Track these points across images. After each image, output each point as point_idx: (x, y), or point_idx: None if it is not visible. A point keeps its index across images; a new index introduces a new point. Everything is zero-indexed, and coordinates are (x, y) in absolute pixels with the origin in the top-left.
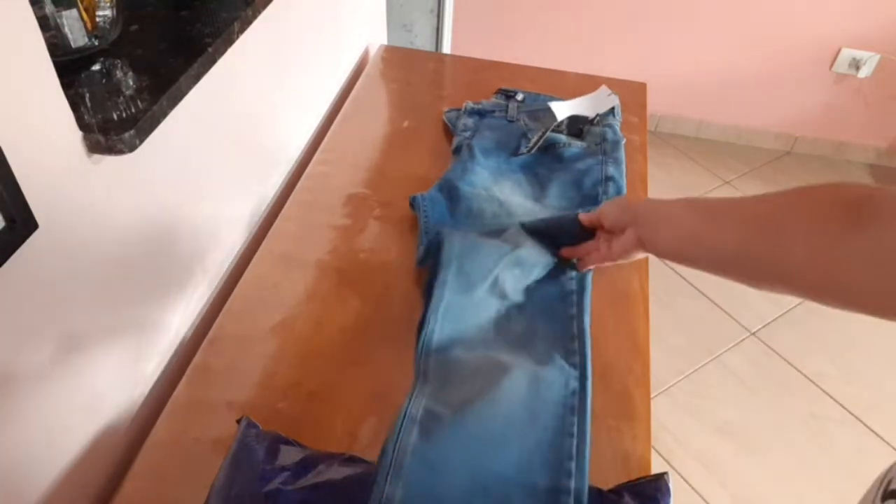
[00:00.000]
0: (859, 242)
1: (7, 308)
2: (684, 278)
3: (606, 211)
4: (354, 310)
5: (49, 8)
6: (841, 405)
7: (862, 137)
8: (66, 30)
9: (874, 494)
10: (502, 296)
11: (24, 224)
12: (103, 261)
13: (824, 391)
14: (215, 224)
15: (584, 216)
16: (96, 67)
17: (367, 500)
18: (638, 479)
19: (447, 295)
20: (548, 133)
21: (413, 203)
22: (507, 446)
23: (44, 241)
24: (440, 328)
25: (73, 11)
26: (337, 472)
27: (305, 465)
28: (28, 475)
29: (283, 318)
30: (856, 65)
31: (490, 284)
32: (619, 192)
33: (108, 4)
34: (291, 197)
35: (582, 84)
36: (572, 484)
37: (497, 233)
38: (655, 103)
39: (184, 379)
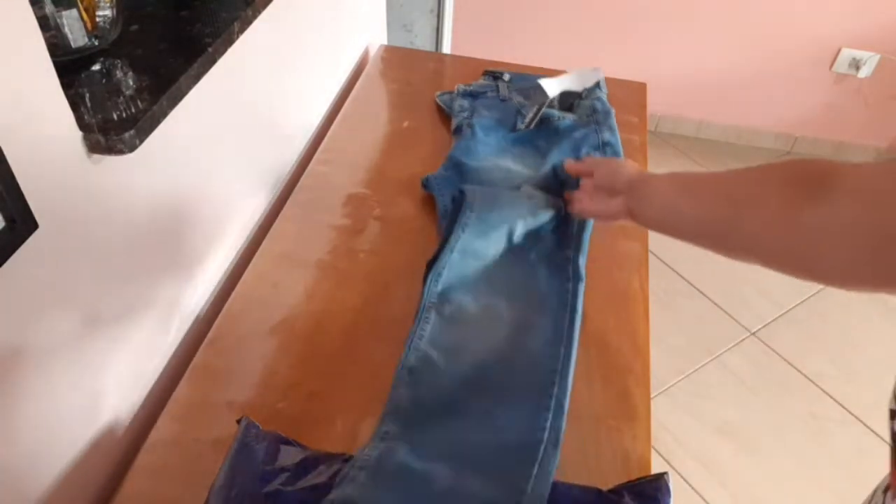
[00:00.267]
0: (818, 214)
1: (7, 308)
2: (684, 278)
3: (601, 171)
4: (354, 310)
5: (49, 8)
6: (841, 405)
7: (862, 137)
8: (66, 30)
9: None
10: (510, 241)
11: (24, 224)
12: (103, 261)
13: (824, 391)
14: (215, 224)
15: (572, 165)
16: (96, 67)
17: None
18: (638, 479)
19: (464, 236)
20: (543, 108)
21: (426, 184)
22: (495, 379)
23: (44, 241)
24: (452, 262)
25: (73, 11)
26: (337, 473)
27: (305, 466)
28: (28, 474)
29: (283, 318)
30: (856, 65)
31: (504, 230)
32: (616, 156)
33: (108, 4)
34: (291, 197)
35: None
36: (548, 422)
37: (514, 188)
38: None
39: (184, 379)
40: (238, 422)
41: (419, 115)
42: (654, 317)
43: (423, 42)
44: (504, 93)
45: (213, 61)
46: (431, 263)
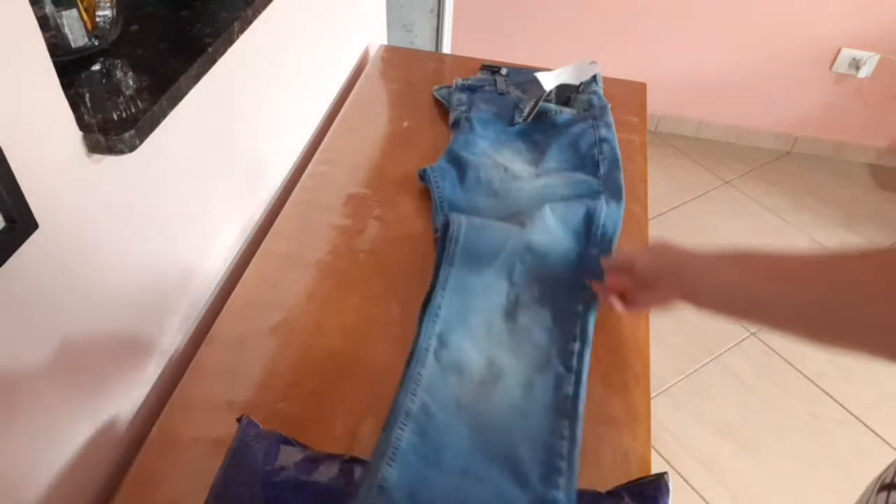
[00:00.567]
0: None
1: (7, 308)
2: None
3: (642, 263)
4: (354, 310)
5: (49, 8)
6: (841, 405)
7: (862, 137)
8: (66, 30)
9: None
10: (511, 282)
11: (24, 224)
12: (103, 260)
13: (824, 391)
14: (215, 224)
15: (609, 263)
16: (96, 67)
17: (363, 479)
18: (638, 479)
19: (455, 270)
20: (540, 102)
21: (423, 176)
22: (498, 444)
23: (44, 241)
24: (448, 303)
25: (73, 11)
26: (337, 473)
27: (305, 465)
28: (27, 474)
29: (283, 318)
30: (856, 65)
31: (500, 267)
32: (613, 152)
33: (108, 4)
34: (291, 197)
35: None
36: (561, 481)
37: (508, 218)
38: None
39: (184, 379)
40: (238, 421)
41: (419, 115)
42: (654, 317)
43: (423, 42)
44: (502, 87)
45: (213, 61)
46: (426, 302)
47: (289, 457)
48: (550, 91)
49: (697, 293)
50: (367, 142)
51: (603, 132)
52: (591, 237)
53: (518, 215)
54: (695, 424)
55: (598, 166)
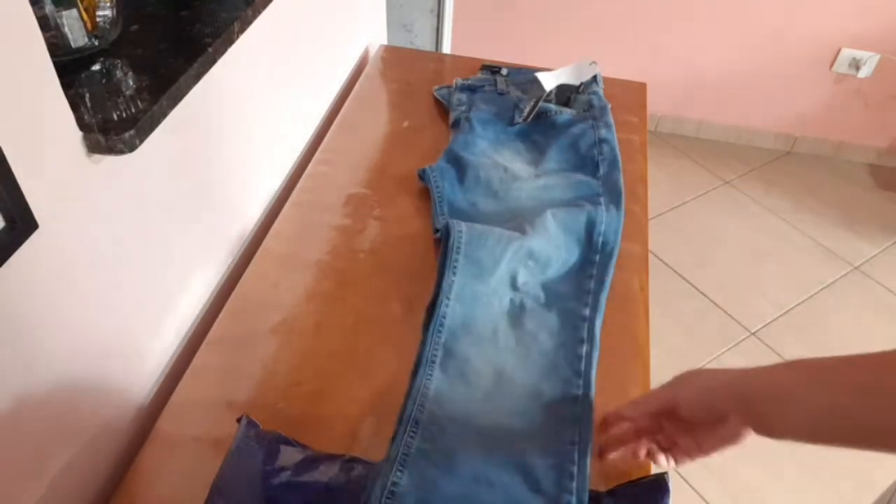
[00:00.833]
0: None
1: (7, 308)
2: (684, 278)
3: (688, 401)
4: (354, 310)
5: (49, 8)
6: None
7: (862, 137)
8: (66, 30)
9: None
10: (515, 288)
11: (24, 224)
12: (103, 260)
13: None
14: (215, 223)
15: (632, 410)
16: (96, 67)
17: (373, 484)
18: (638, 479)
19: (458, 279)
20: (540, 102)
21: (422, 176)
22: (508, 450)
23: (44, 241)
24: (452, 311)
25: (73, 11)
26: (337, 473)
27: (305, 465)
28: (27, 474)
29: (283, 318)
30: (856, 65)
31: (503, 274)
32: (613, 152)
33: (108, 4)
34: (291, 197)
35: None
36: (574, 485)
37: (508, 219)
38: (655, 103)
39: (184, 379)
40: (238, 421)
41: (419, 115)
42: (654, 317)
43: (423, 42)
44: (502, 87)
45: (213, 61)
46: (430, 308)
47: (289, 457)
48: (550, 91)
49: (777, 424)
50: (367, 142)
51: (603, 133)
52: (592, 244)
53: (518, 217)
54: None
55: (597, 167)
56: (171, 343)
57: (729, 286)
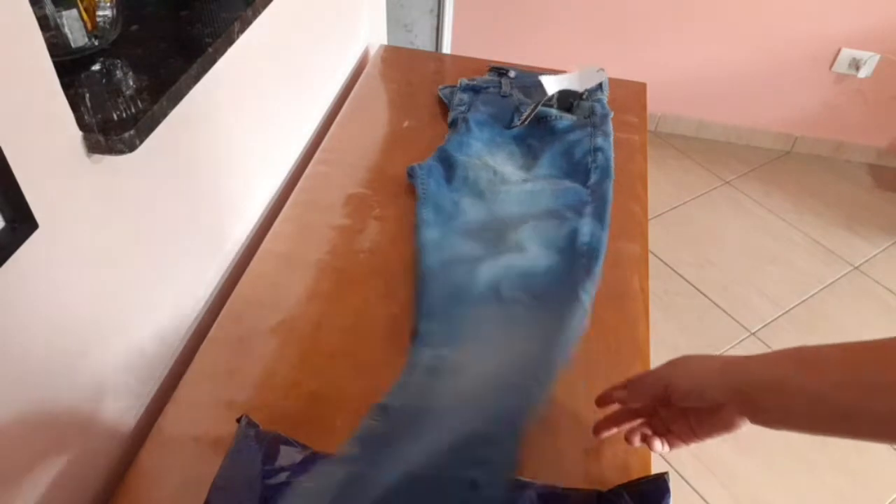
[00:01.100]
0: None
1: (7, 308)
2: (684, 278)
3: (682, 387)
4: (354, 310)
5: (49, 8)
6: None
7: (862, 137)
8: (66, 30)
9: None
10: (500, 300)
11: (24, 224)
12: (103, 260)
13: None
14: (215, 224)
15: (625, 395)
16: (96, 67)
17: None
18: (638, 480)
19: (434, 303)
20: (539, 107)
21: (410, 173)
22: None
23: (44, 241)
24: (433, 332)
25: (73, 11)
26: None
27: (305, 465)
28: (28, 473)
29: (283, 318)
30: (856, 65)
31: (481, 293)
32: (606, 161)
33: (108, 4)
34: (291, 197)
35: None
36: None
37: (489, 224)
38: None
39: (184, 379)
40: (238, 421)
41: (419, 115)
42: (654, 317)
43: (423, 42)
44: (506, 89)
45: (213, 61)
46: (415, 332)
47: (289, 457)
48: (552, 96)
49: (772, 414)
50: (367, 142)
51: (599, 141)
52: (575, 252)
53: (499, 223)
54: None
55: (589, 175)
56: (171, 343)
57: (729, 286)
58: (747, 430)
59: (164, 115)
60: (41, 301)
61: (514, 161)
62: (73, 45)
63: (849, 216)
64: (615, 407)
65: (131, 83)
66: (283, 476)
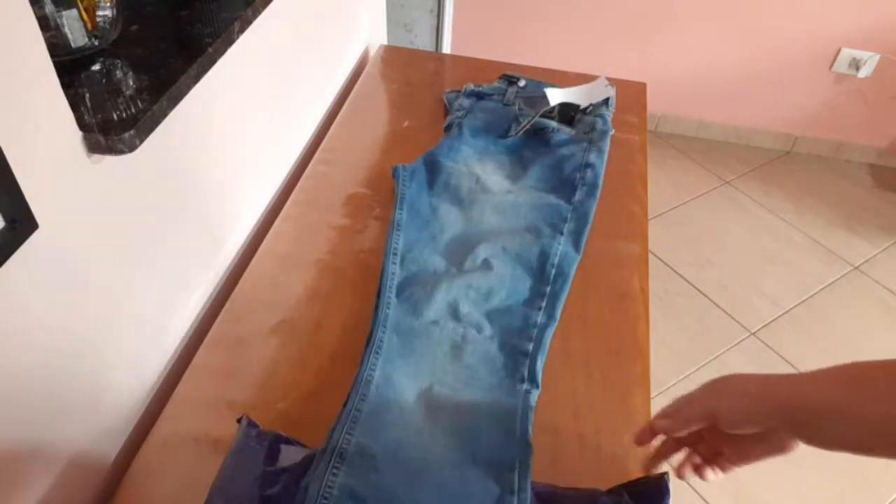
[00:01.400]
0: None
1: (7, 308)
2: (684, 278)
3: (730, 413)
4: (354, 310)
5: (49, 8)
6: None
7: (862, 137)
8: (66, 30)
9: None
10: (457, 318)
11: (24, 224)
12: (103, 260)
13: None
14: (215, 224)
15: (668, 426)
16: (96, 67)
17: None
18: (638, 480)
19: (393, 313)
20: (537, 118)
21: (394, 174)
22: (446, 482)
23: (44, 241)
24: (389, 340)
25: (73, 11)
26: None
27: (306, 465)
28: (27, 473)
29: (283, 318)
30: (856, 65)
31: (440, 306)
32: (595, 179)
33: (108, 4)
34: (291, 197)
35: (582, 84)
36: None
37: (462, 234)
38: (655, 103)
39: (184, 379)
40: (238, 421)
41: (419, 115)
42: (654, 317)
43: (423, 42)
44: (510, 98)
45: (213, 61)
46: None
47: (289, 457)
48: (553, 108)
49: (828, 437)
50: (367, 142)
51: (592, 157)
52: (543, 275)
53: (472, 235)
54: None
55: (574, 191)
56: (171, 343)
57: (729, 286)
58: None
59: (164, 115)
60: (41, 301)
61: (502, 171)
62: (73, 45)
63: (849, 216)
64: (658, 439)
65: (131, 83)
66: (283, 476)
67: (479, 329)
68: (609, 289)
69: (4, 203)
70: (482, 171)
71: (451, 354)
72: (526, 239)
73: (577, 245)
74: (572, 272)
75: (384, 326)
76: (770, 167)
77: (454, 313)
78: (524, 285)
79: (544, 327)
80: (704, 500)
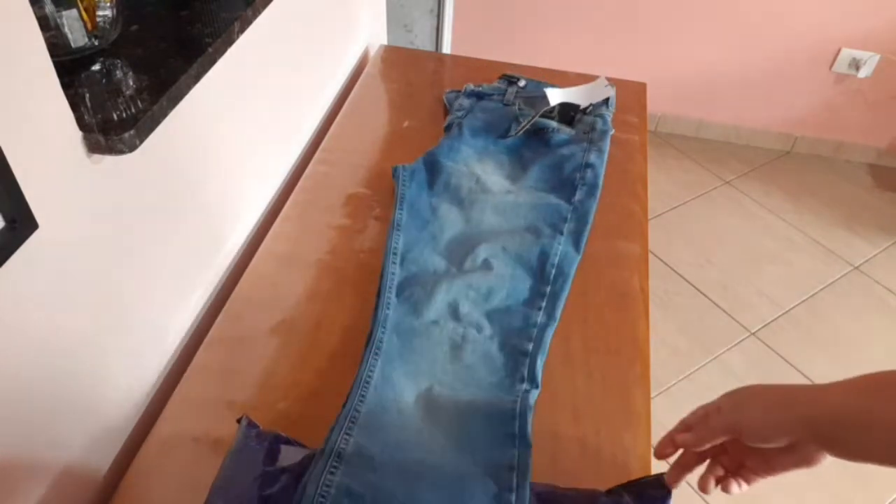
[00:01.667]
0: None
1: (7, 308)
2: (684, 278)
3: (754, 430)
4: (354, 310)
5: (49, 8)
6: None
7: (862, 137)
8: (66, 30)
9: None
10: (457, 318)
11: (24, 224)
12: (103, 260)
13: None
14: (215, 225)
15: (690, 441)
16: (96, 67)
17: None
18: (638, 479)
19: (392, 314)
20: (537, 118)
21: (394, 174)
22: (442, 483)
23: (44, 241)
24: (389, 340)
25: (73, 11)
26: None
27: (305, 466)
28: (27, 474)
29: (283, 318)
30: (856, 65)
31: (440, 306)
32: (595, 179)
33: (108, 4)
34: (291, 197)
35: (582, 84)
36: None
37: (462, 235)
38: (655, 103)
39: (184, 379)
40: (238, 421)
41: (419, 115)
42: (654, 317)
43: (423, 42)
44: (509, 98)
45: (213, 61)
46: (369, 336)
47: (289, 457)
48: (553, 108)
49: (856, 449)
50: (367, 142)
51: (592, 157)
52: (543, 275)
53: (472, 235)
54: None
55: (574, 191)
56: (171, 343)
57: (729, 286)
58: None
59: (164, 115)
60: (41, 300)
61: (502, 171)
62: (73, 45)
63: (849, 216)
64: (680, 451)
65: (131, 83)
66: (283, 476)
67: (479, 329)
68: (609, 289)
69: (4, 203)
70: (482, 171)
71: (451, 354)
72: (526, 239)
73: (577, 245)
74: (572, 272)
75: (384, 326)
76: (770, 167)
77: (454, 313)
78: (524, 285)
79: (544, 327)
80: (704, 501)
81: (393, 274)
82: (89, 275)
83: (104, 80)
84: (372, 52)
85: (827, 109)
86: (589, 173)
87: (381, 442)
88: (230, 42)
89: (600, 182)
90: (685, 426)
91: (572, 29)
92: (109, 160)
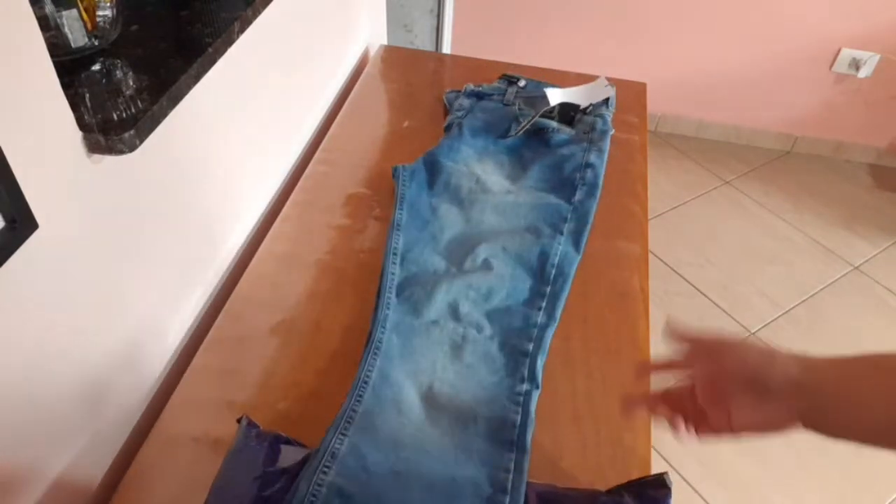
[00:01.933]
0: None
1: (7, 308)
2: (684, 278)
3: (741, 366)
4: (354, 310)
5: (49, 8)
6: None
7: (862, 137)
8: (66, 30)
9: None
10: (457, 318)
11: (24, 224)
12: (103, 260)
13: None
14: (215, 225)
15: (685, 339)
16: (96, 67)
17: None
18: (638, 479)
19: (392, 314)
20: (537, 118)
21: (394, 174)
22: (438, 482)
23: (44, 241)
24: (388, 339)
25: (73, 11)
26: None
27: (303, 466)
28: (27, 473)
29: (283, 318)
30: (856, 65)
31: (441, 306)
32: (595, 179)
33: (108, 4)
34: (291, 197)
35: (582, 84)
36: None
37: (462, 235)
38: (655, 103)
39: (184, 379)
40: (238, 421)
41: (419, 115)
42: (654, 317)
43: (423, 42)
44: (509, 98)
45: (213, 61)
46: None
47: (289, 457)
48: (553, 108)
49: (840, 423)
50: (366, 142)
51: (592, 157)
52: (543, 275)
53: (472, 235)
54: None
55: (574, 191)
56: (171, 343)
57: (729, 286)
58: None
59: (164, 115)
60: (41, 300)
61: (502, 171)
62: (73, 45)
63: (849, 216)
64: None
65: (131, 83)
66: (283, 477)
67: (479, 329)
68: (609, 289)
69: (4, 203)
70: (482, 171)
71: (451, 354)
72: (526, 239)
73: (577, 245)
74: (572, 272)
75: (384, 326)
76: (770, 167)
77: (454, 313)
78: (524, 285)
79: (544, 327)
80: (704, 501)
81: (393, 274)
82: (89, 274)
83: (104, 80)
84: (372, 52)
85: (827, 109)
86: (589, 173)
87: (377, 441)
88: (230, 42)
89: (600, 182)
90: (680, 339)
91: (572, 29)
92: (109, 160)
